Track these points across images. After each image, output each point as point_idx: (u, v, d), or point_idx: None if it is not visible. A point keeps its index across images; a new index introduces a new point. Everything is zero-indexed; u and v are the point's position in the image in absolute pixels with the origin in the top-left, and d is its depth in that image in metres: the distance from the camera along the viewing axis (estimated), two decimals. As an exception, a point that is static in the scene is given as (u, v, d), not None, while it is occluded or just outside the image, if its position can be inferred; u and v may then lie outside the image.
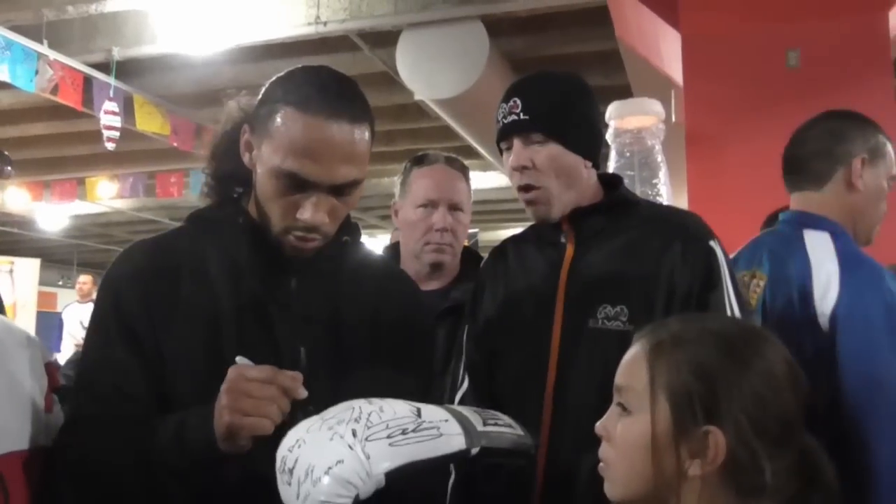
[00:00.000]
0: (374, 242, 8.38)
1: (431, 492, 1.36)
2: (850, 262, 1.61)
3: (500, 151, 1.52)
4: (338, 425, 0.98)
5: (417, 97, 5.65)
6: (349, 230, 1.30)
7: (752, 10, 3.46)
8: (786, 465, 0.98)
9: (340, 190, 1.19)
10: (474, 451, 1.06)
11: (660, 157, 3.76)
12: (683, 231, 1.44)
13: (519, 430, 1.15)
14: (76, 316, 7.91)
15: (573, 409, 1.39)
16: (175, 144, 6.59)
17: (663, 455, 0.99)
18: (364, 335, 1.28)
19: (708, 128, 3.62)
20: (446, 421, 1.06)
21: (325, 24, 5.27)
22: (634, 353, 1.06)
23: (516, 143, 1.46)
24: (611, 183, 1.54)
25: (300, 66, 1.24)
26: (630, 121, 3.49)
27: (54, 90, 5.37)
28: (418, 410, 1.04)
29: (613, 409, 1.07)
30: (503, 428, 1.13)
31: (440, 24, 5.24)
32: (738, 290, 1.42)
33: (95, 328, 1.25)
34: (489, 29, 5.24)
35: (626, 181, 1.59)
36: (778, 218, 1.99)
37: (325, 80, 1.20)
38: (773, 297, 1.65)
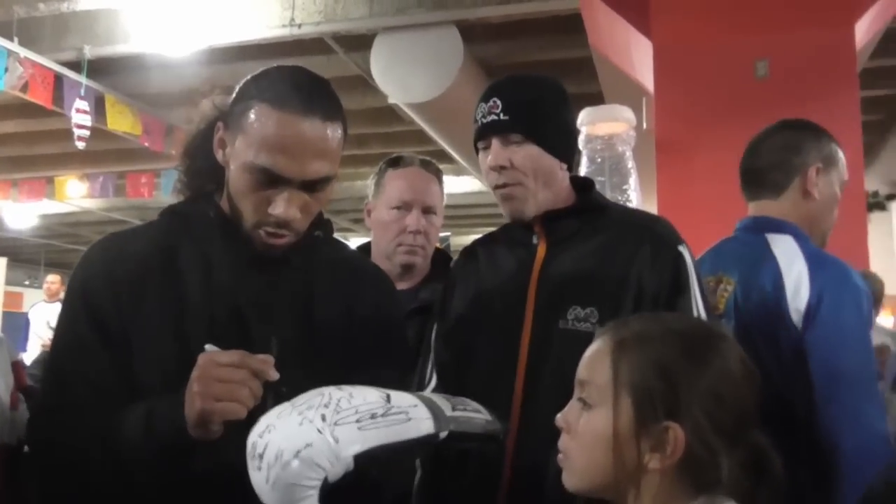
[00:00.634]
0: (347, 245, 8.34)
1: (400, 481, 1.38)
2: (818, 261, 1.67)
3: (477, 150, 1.54)
4: (307, 410, 1.00)
5: (391, 101, 5.67)
6: (321, 225, 1.32)
7: (723, 21, 3.52)
8: (739, 460, 1.01)
9: (312, 186, 1.21)
10: (443, 434, 1.09)
11: (630, 164, 3.80)
12: (653, 235, 1.46)
13: (487, 416, 1.18)
14: (43, 316, 7.82)
15: (542, 408, 1.40)
16: (146, 144, 6.53)
17: (624, 448, 1.02)
18: (337, 327, 1.29)
19: (678, 135, 3.67)
20: (415, 406, 1.08)
21: (299, 26, 5.26)
22: (597, 349, 1.09)
23: (495, 142, 1.48)
24: (583, 186, 1.56)
25: (275, 65, 1.26)
26: (601, 127, 3.53)
27: (24, 88, 5.31)
28: (388, 396, 1.06)
29: (574, 403, 1.09)
30: (472, 413, 1.15)
31: (415, 28, 5.26)
32: (704, 295, 1.46)
33: (65, 318, 1.26)
34: (463, 34, 5.27)
35: (597, 186, 1.62)
36: None
37: (299, 78, 1.22)
38: (746, 299, 1.70)
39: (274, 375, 1.07)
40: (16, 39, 5.24)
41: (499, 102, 1.47)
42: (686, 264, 1.43)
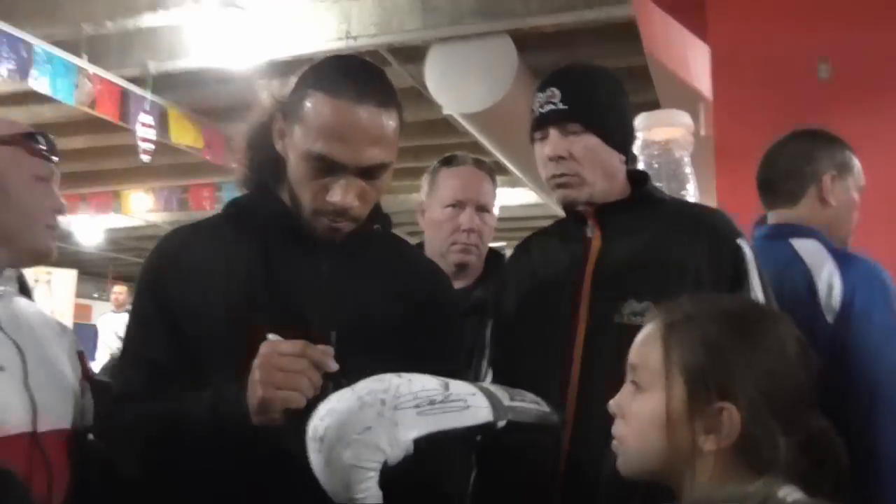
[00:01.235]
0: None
1: (456, 479, 1.37)
2: (847, 260, 1.70)
3: (532, 141, 1.53)
4: (367, 395, 1.01)
5: (446, 112, 5.69)
6: (380, 219, 1.34)
7: (783, 21, 3.45)
8: (797, 443, 0.98)
9: (369, 172, 1.22)
10: (500, 423, 1.08)
11: (688, 169, 3.75)
12: (710, 228, 1.44)
13: (545, 407, 1.17)
14: (111, 326, 8.04)
15: (597, 403, 1.38)
16: (208, 157, 6.69)
17: (678, 431, 1.00)
18: (395, 320, 1.30)
19: (738, 140, 3.60)
20: (473, 395, 1.08)
21: (355, 38, 5.34)
22: (648, 333, 1.08)
23: (553, 132, 1.47)
24: (639, 179, 1.55)
25: (331, 55, 1.29)
26: (658, 132, 3.49)
27: (92, 104, 5.48)
28: (446, 384, 1.07)
29: (627, 387, 1.09)
30: (529, 404, 1.15)
31: (468, 38, 5.28)
32: (766, 288, 1.42)
33: (135, 310, 1.30)
34: (517, 44, 5.27)
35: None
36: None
37: (353, 66, 1.25)
38: (778, 303, 1.69)
39: (333, 366, 1.08)
40: (84, 56, 5.42)
41: (557, 92, 1.46)
42: (745, 257, 1.40)
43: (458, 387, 1.08)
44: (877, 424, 1.53)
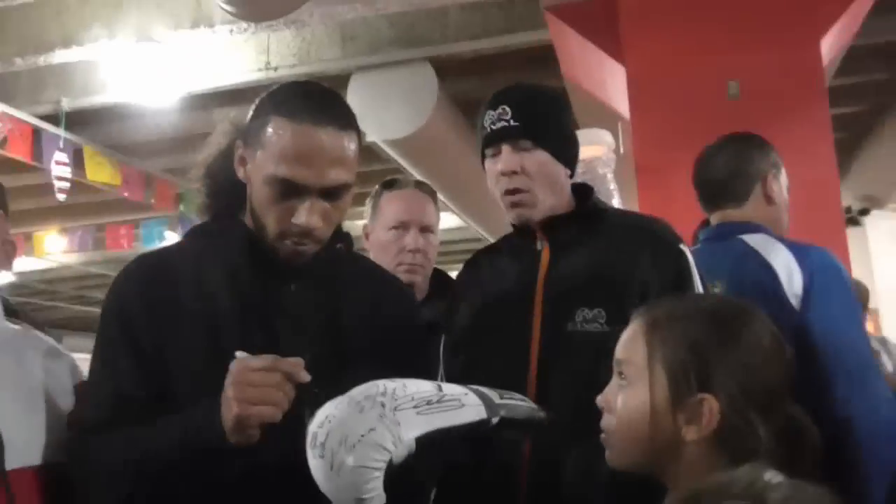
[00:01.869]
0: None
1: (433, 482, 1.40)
2: (800, 248, 1.77)
3: (483, 157, 1.58)
4: (365, 400, 1.02)
5: (369, 139, 5.73)
6: (342, 238, 1.36)
7: (694, 44, 3.62)
8: (774, 430, 1.05)
9: (331, 194, 1.25)
10: (494, 420, 1.12)
11: (612, 186, 3.88)
12: (653, 236, 1.51)
13: (532, 404, 1.21)
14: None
15: (555, 409, 1.43)
16: (126, 195, 6.52)
17: (662, 422, 1.06)
18: (364, 336, 1.32)
19: (657, 157, 3.74)
20: (466, 394, 1.11)
21: (275, 69, 5.33)
22: (633, 330, 1.14)
23: (505, 148, 1.52)
24: (582, 192, 1.61)
25: (289, 81, 1.31)
26: (582, 150, 3.60)
27: (3, 143, 5.30)
28: (439, 386, 1.10)
29: (614, 382, 1.14)
30: (518, 402, 1.18)
31: (389, 66, 5.34)
32: (706, 290, 1.50)
33: (100, 340, 1.28)
34: (437, 71, 5.35)
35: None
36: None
37: (311, 91, 1.28)
38: (740, 295, 1.73)
39: (305, 377, 1.09)
40: (-8, 94, 5.26)
41: (508, 109, 1.51)
42: (688, 261, 1.48)
43: (450, 388, 1.12)
44: (846, 398, 1.60)
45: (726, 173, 1.93)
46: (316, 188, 1.22)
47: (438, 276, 2.09)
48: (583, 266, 1.49)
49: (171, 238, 7.72)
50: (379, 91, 5.40)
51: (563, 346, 1.45)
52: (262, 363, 1.09)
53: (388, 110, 5.41)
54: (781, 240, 1.81)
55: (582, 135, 3.83)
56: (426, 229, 2.00)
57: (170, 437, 1.13)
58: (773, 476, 0.86)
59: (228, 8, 3.66)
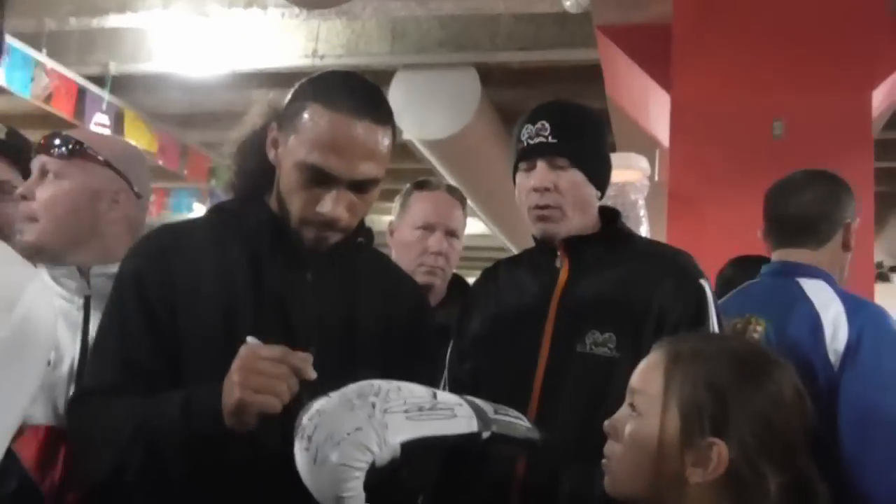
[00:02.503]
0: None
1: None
2: (855, 303, 1.69)
3: (515, 170, 1.57)
4: (357, 398, 1.02)
5: (406, 136, 5.73)
6: (364, 233, 1.35)
7: (742, 79, 3.58)
8: (785, 485, 1.02)
9: (360, 186, 1.24)
10: (485, 434, 1.10)
11: (642, 213, 3.86)
12: (675, 268, 1.49)
13: (527, 423, 1.19)
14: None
15: (556, 428, 1.41)
16: (161, 162, 6.59)
17: (667, 460, 1.04)
18: (376, 332, 1.31)
19: (691, 189, 3.71)
20: (460, 405, 1.10)
21: (321, 57, 5.36)
22: (652, 360, 1.12)
23: (541, 164, 1.51)
24: (609, 215, 1.60)
25: (331, 70, 1.31)
26: (616, 174, 3.57)
27: (48, 98, 5.37)
28: (434, 393, 1.09)
29: (624, 409, 1.12)
30: (513, 419, 1.17)
31: (434, 67, 5.35)
32: (722, 328, 1.48)
33: (113, 305, 1.28)
34: (482, 77, 5.35)
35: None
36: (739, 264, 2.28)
37: (353, 82, 1.27)
38: (781, 340, 1.69)
39: (312, 374, 1.08)
40: (44, 50, 5.32)
41: (547, 125, 1.50)
42: (706, 297, 1.46)
43: (446, 397, 1.10)
44: (866, 467, 1.52)
45: (816, 213, 1.81)
46: (345, 179, 1.22)
47: (457, 282, 2.08)
48: (600, 289, 1.48)
49: (199, 210, 7.78)
50: (422, 91, 5.41)
51: (571, 366, 1.44)
52: (271, 353, 1.08)
53: (428, 111, 5.42)
54: (838, 291, 1.73)
55: (618, 158, 3.82)
56: (451, 233, 1.99)
57: (171, 410, 1.12)
58: None
59: (283, -9, 3.68)
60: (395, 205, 2.06)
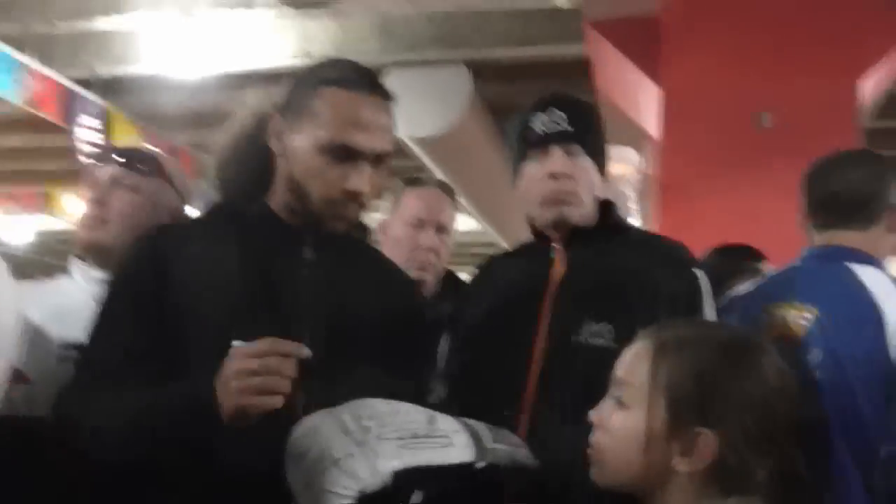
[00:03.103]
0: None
1: None
2: None
3: (523, 156, 1.56)
4: (352, 421, 1.01)
5: (396, 134, 5.71)
6: (359, 227, 1.36)
7: (731, 70, 3.60)
8: (772, 470, 1.02)
9: (379, 160, 1.29)
10: (480, 464, 1.09)
11: (633, 205, 3.86)
12: (670, 257, 1.50)
13: (527, 450, 1.18)
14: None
15: (551, 420, 1.41)
16: (150, 165, 6.54)
17: (654, 449, 1.04)
18: (367, 325, 1.31)
19: (682, 180, 3.72)
20: (457, 432, 1.08)
21: (312, 57, 5.34)
22: (638, 350, 1.11)
23: (557, 150, 1.51)
24: (605, 206, 1.59)
25: (327, 58, 1.37)
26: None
27: (34, 102, 5.33)
28: (432, 417, 1.07)
29: (609, 400, 1.11)
30: (513, 448, 1.15)
31: (425, 65, 5.34)
32: (716, 316, 1.48)
33: (108, 299, 1.28)
34: (472, 74, 5.34)
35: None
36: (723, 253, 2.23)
37: (356, 65, 1.34)
38: (837, 330, 1.56)
39: (307, 353, 1.07)
40: (29, 53, 5.29)
41: (563, 115, 1.51)
42: (701, 287, 1.46)
43: (444, 422, 1.09)
44: None
45: (867, 192, 1.68)
46: (371, 154, 1.27)
47: (448, 277, 2.08)
48: (595, 279, 1.48)
49: (189, 211, 7.75)
50: (412, 88, 5.39)
51: (567, 357, 1.44)
52: (259, 348, 1.07)
53: (419, 108, 5.40)
54: (894, 280, 1.60)
55: (610, 151, 3.82)
56: (442, 229, 1.99)
57: (163, 404, 1.13)
58: None
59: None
60: (387, 200, 2.06)
